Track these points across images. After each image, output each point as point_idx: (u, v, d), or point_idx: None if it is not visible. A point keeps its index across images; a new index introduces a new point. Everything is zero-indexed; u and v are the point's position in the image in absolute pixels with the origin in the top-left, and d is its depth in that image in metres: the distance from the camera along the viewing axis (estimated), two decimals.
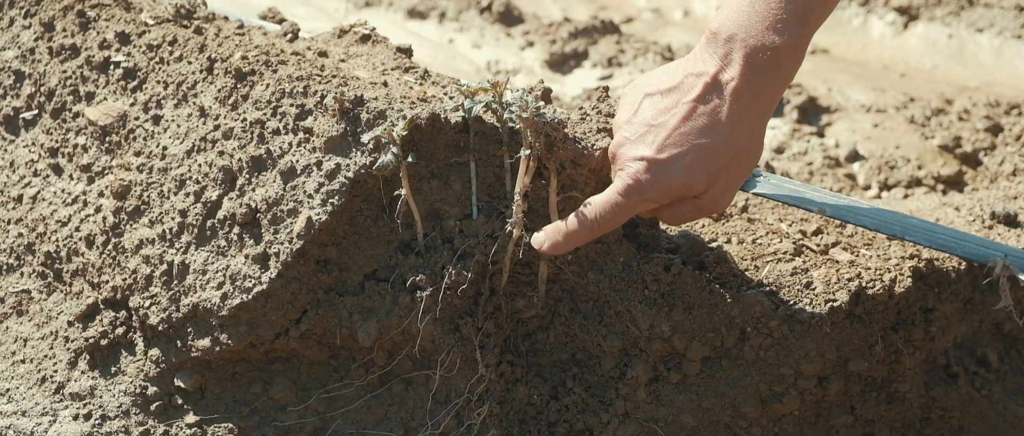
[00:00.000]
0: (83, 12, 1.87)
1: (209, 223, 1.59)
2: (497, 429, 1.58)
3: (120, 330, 1.68)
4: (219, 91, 1.65)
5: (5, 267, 1.84)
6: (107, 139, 1.76)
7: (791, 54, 1.36)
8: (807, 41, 1.37)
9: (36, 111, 1.89)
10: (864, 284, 1.62)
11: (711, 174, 1.40)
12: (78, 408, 1.66)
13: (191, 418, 1.63)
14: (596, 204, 1.44)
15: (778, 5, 1.35)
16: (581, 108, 1.62)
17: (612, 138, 1.49)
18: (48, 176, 1.82)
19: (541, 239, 1.49)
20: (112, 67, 1.80)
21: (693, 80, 1.39)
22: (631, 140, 1.42)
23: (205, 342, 1.59)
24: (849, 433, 1.70)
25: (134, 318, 1.67)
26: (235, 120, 1.61)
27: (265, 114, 1.58)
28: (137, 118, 1.74)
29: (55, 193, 1.80)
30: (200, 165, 1.62)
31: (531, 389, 1.62)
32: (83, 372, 1.69)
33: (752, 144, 1.41)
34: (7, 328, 1.78)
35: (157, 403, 1.64)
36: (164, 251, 1.62)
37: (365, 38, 1.79)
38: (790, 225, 1.78)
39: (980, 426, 1.81)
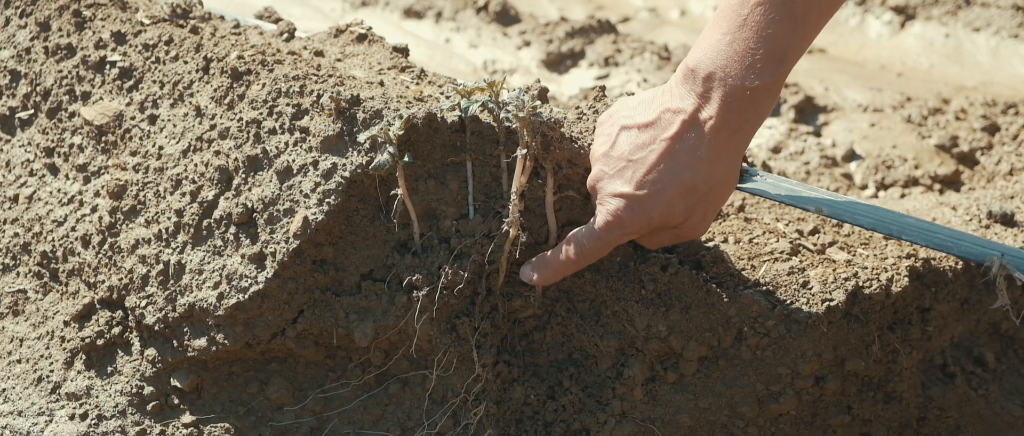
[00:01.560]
0: (79, 12, 1.87)
1: (205, 223, 1.59)
2: (494, 429, 1.58)
3: (116, 330, 1.68)
4: (215, 91, 1.65)
5: (1, 267, 1.83)
6: (103, 139, 1.76)
7: (769, 92, 1.37)
8: (785, 78, 1.38)
9: (32, 111, 1.88)
10: (861, 284, 1.62)
11: (689, 207, 1.43)
12: (74, 408, 1.66)
13: (187, 418, 1.63)
14: (579, 238, 1.47)
15: (757, 44, 1.35)
16: (578, 108, 1.62)
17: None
18: (44, 176, 1.82)
19: (529, 274, 1.52)
20: (108, 67, 1.79)
21: (671, 117, 1.40)
22: (610, 175, 1.44)
23: (201, 342, 1.58)
24: (846, 433, 1.70)
25: (130, 318, 1.66)
26: (231, 120, 1.61)
27: (261, 114, 1.58)
28: (133, 118, 1.74)
29: (51, 193, 1.80)
30: (196, 165, 1.62)
31: (528, 389, 1.62)
32: (79, 372, 1.68)
33: (729, 177, 1.44)
34: (3, 328, 1.78)
35: (153, 403, 1.64)
36: (160, 251, 1.62)
37: (361, 38, 1.79)
38: (787, 224, 1.78)
39: (977, 426, 1.81)
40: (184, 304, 1.59)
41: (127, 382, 1.65)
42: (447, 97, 1.57)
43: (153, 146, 1.69)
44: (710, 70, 1.37)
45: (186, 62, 1.71)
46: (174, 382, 1.63)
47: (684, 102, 1.39)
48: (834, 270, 1.63)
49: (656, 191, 1.41)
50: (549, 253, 1.51)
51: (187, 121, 1.67)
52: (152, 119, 1.72)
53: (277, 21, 1.95)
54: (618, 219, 1.43)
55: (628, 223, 1.43)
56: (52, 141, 1.83)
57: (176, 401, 1.64)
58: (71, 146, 1.79)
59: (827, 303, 1.59)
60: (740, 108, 1.37)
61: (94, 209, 1.72)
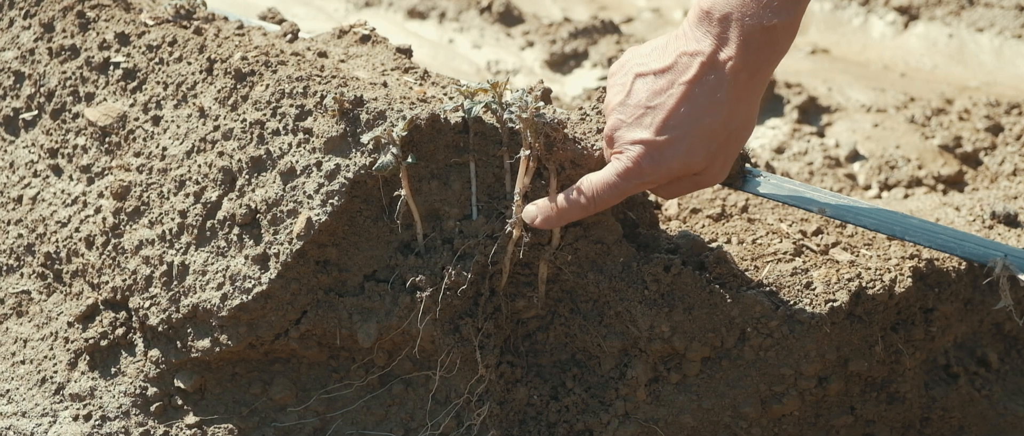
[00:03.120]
0: (83, 13, 1.87)
1: (209, 224, 1.59)
2: (497, 430, 1.58)
3: (120, 331, 1.68)
4: (219, 92, 1.65)
5: (5, 268, 1.84)
6: (107, 140, 1.76)
7: (787, 32, 1.35)
8: (800, 19, 1.36)
9: (36, 112, 1.89)
10: (864, 284, 1.62)
11: (710, 153, 1.40)
12: (78, 409, 1.66)
13: (191, 419, 1.63)
14: (593, 183, 1.43)
15: None
16: (581, 108, 1.62)
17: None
18: (48, 177, 1.82)
19: (533, 213, 1.48)
20: (112, 68, 1.80)
21: (688, 60, 1.38)
22: (627, 123, 1.41)
23: (205, 343, 1.59)
24: (849, 433, 1.70)
25: (134, 319, 1.67)
26: (235, 121, 1.61)
27: (265, 115, 1.58)
28: (137, 119, 1.74)
29: (55, 194, 1.80)
30: (200, 166, 1.63)
31: (531, 389, 1.62)
32: (83, 373, 1.69)
33: (748, 120, 1.41)
34: (7, 329, 1.78)
35: (157, 404, 1.64)
36: (164, 252, 1.62)
37: (365, 38, 1.79)
38: (790, 225, 1.78)
39: (980, 426, 1.81)
40: (188, 305, 1.59)
41: (131, 383, 1.65)
42: (450, 98, 1.57)
43: (157, 147, 1.69)
44: (726, 11, 1.34)
45: (190, 63, 1.71)
46: (178, 383, 1.63)
47: (701, 45, 1.37)
48: (837, 271, 1.63)
49: (677, 137, 1.38)
50: (558, 196, 1.47)
51: (191, 122, 1.67)
52: (156, 120, 1.72)
53: (281, 22, 1.95)
54: (638, 167, 1.40)
55: (647, 171, 1.40)
56: (56, 142, 1.83)
57: (179, 402, 1.64)
58: (75, 147, 1.80)
59: (830, 304, 1.59)
60: (759, 48, 1.35)
61: (98, 210, 1.72)
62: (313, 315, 1.56)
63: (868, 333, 1.63)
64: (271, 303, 1.54)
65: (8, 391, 1.70)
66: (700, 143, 1.38)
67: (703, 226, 1.82)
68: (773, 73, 1.40)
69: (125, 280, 1.66)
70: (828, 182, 2.67)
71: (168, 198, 1.65)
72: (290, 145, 1.55)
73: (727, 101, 1.37)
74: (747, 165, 1.65)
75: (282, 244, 1.52)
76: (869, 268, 1.65)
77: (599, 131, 1.54)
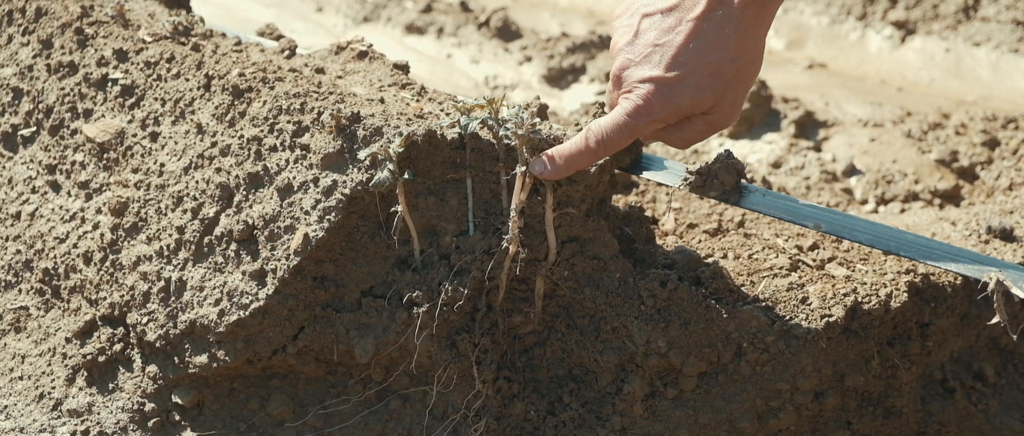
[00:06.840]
0: (81, 29, 1.88)
1: (206, 240, 1.60)
2: None
3: (118, 347, 1.68)
4: (216, 108, 1.66)
5: (3, 284, 1.84)
6: (105, 156, 1.76)
7: None
8: None
9: (34, 128, 1.89)
10: (860, 299, 1.62)
11: (719, 90, 1.39)
12: (76, 424, 1.66)
13: (189, 434, 1.63)
14: (602, 126, 1.42)
15: None
16: (578, 124, 1.62)
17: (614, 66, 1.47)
18: (46, 193, 1.83)
19: (540, 167, 1.46)
20: (110, 84, 1.80)
21: None
22: (636, 62, 1.40)
23: (202, 359, 1.59)
24: None
25: (132, 335, 1.67)
26: (232, 137, 1.62)
27: (262, 131, 1.59)
28: (135, 135, 1.74)
29: (53, 210, 1.80)
30: (197, 182, 1.63)
31: (528, 405, 1.63)
32: (81, 389, 1.69)
33: (757, 56, 1.41)
34: (5, 345, 1.78)
35: (155, 419, 1.64)
36: (161, 268, 1.63)
37: (362, 55, 1.80)
38: (786, 240, 1.78)
39: None
40: (185, 321, 1.59)
41: (128, 399, 1.65)
42: (447, 114, 1.58)
43: (155, 163, 1.70)
44: None
45: (188, 79, 1.72)
46: (175, 398, 1.63)
47: None
48: (833, 286, 1.64)
49: (686, 73, 1.37)
50: (563, 145, 1.45)
51: (188, 138, 1.68)
52: (154, 136, 1.72)
53: (279, 38, 1.96)
54: (648, 104, 1.39)
55: (657, 108, 1.39)
56: (54, 158, 1.83)
57: (177, 417, 1.64)
58: (73, 163, 1.80)
59: (826, 318, 1.59)
60: None
61: (96, 226, 1.73)
62: (310, 331, 1.56)
63: (864, 348, 1.63)
64: (268, 319, 1.55)
65: (6, 407, 1.70)
66: (709, 79, 1.38)
67: (699, 241, 1.82)
68: (780, 7, 1.39)
69: (123, 296, 1.66)
70: (825, 197, 2.68)
71: (166, 214, 1.65)
72: (287, 161, 1.55)
73: (735, 36, 1.37)
74: (743, 181, 1.65)
75: (279, 260, 1.53)
76: (865, 283, 1.66)
77: None
